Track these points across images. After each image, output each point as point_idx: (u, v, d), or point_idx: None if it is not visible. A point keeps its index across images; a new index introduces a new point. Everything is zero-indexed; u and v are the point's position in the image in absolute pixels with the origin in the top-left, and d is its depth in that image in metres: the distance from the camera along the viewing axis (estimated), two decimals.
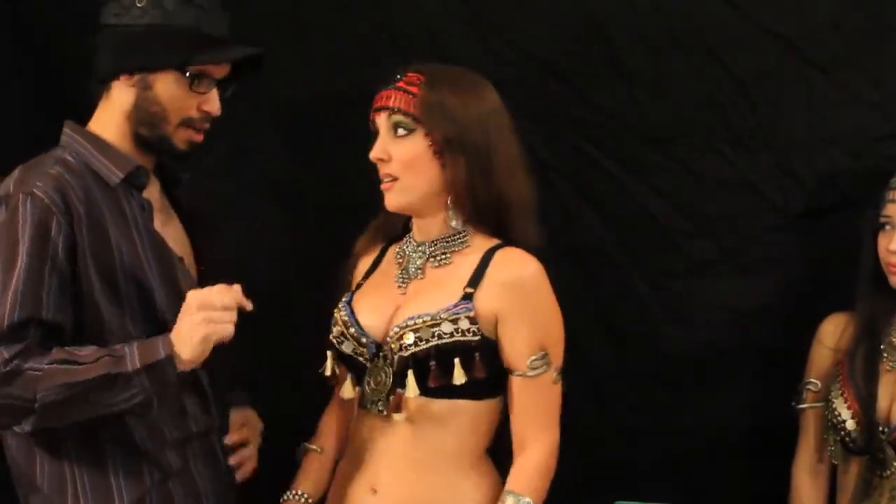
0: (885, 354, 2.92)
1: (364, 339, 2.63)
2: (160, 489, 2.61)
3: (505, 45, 3.21)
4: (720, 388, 3.22)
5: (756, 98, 3.17)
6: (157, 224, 2.65)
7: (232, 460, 2.78)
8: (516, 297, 2.57)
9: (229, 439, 2.78)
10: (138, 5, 2.56)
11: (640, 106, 3.20)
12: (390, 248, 2.76)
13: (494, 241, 2.63)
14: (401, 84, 2.60)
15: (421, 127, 2.57)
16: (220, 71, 2.65)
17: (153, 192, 2.69)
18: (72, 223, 2.49)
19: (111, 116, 2.63)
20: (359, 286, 2.75)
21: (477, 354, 2.55)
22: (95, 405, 2.46)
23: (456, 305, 2.56)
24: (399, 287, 2.67)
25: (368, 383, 2.63)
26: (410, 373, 2.55)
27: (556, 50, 3.21)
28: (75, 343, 2.49)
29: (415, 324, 2.56)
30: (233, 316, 2.49)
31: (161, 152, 2.66)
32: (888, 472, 2.86)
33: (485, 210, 2.61)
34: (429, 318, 2.56)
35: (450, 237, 2.64)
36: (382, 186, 2.63)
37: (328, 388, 2.78)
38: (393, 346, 2.58)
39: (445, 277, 2.62)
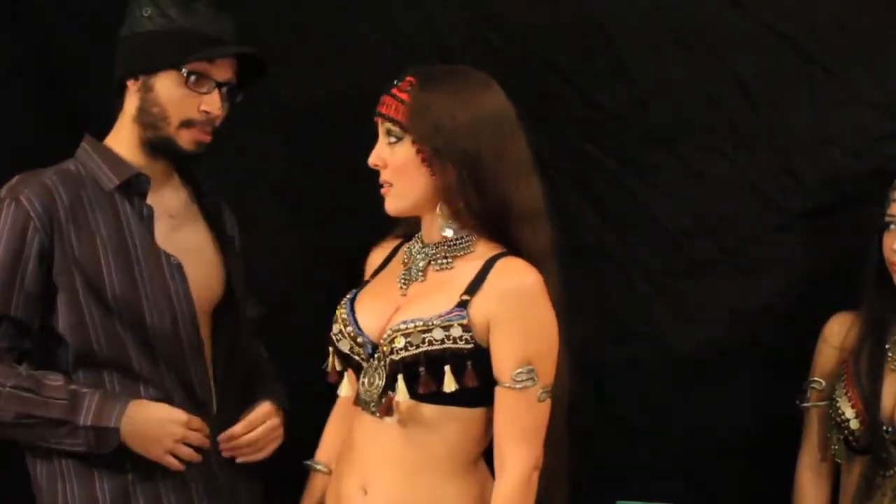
0: (890, 354, 2.93)
1: (360, 339, 2.63)
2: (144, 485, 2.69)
3: (506, 44, 3.22)
4: (721, 387, 3.23)
5: (758, 98, 3.18)
6: (164, 230, 2.72)
7: (223, 449, 2.79)
8: (509, 305, 2.54)
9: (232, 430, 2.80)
10: (144, 15, 2.66)
11: (641, 106, 3.21)
12: (403, 246, 2.76)
13: (498, 249, 2.61)
14: (394, 90, 2.59)
15: (408, 134, 2.57)
16: (221, 73, 2.70)
17: (175, 197, 2.78)
18: (51, 231, 2.62)
19: (123, 124, 2.73)
20: (366, 283, 2.77)
21: (469, 363, 2.53)
22: (42, 438, 2.63)
23: (449, 312, 2.55)
24: (400, 288, 2.67)
25: (363, 383, 2.63)
26: (400, 377, 2.54)
27: (558, 49, 3.21)
28: (61, 344, 2.65)
29: (407, 328, 2.56)
30: (195, 458, 2.67)
31: (168, 154, 2.72)
32: (891, 472, 2.88)
33: (482, 216, 2.58)
34: (421, 324, 2.55)
35: (452, 241, 2.63)
36: (381, 191, 2.64)
37: (330, 388, 2.77)
38: (385, 348, 2.58)
39: (445, 282, 2.61)
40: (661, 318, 3.25)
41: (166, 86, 2.66)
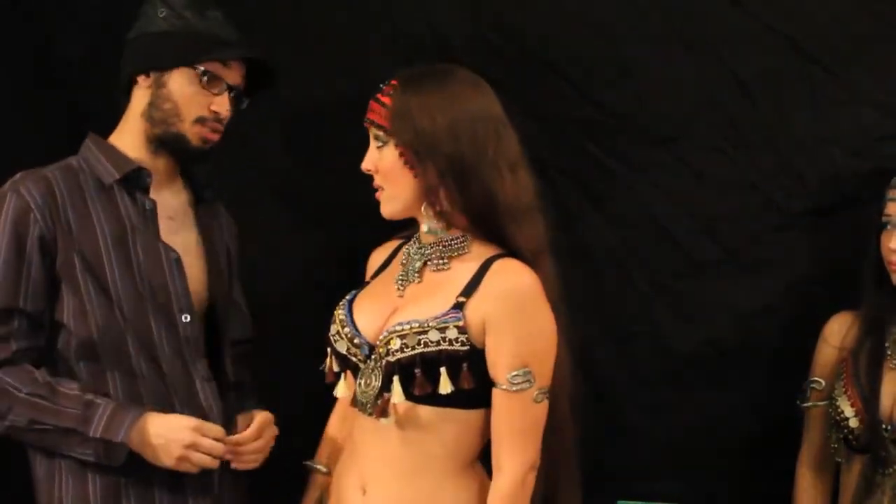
0: (889, 353, 2.94)
1: (357, 340, 2.65)
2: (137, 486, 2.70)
3: (508, 44, 3.23)
4: (722, 387, 3.24)
5: (758, 98, 3.19)
6: (164, 229, 2.74)
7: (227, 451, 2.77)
8: (505, 307, 2.55)
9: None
10: (159, 16, 2.71)
11: (643, 105, 3.22)
12: (403, 247, 2.77)
13: (494, 250, 2.62)
14: (378, 95, 2.63)
15: (392, 138, 2.59)
16: (232, 76, 2.76)
17: (175, 199, 2.82)
18: (52, 222, 2.65)
19: (130, 122, 2.77)
20: (366, 284, 2.78)
21: (465, 364, 2.54)
22: (54, 444, 2.66)
23: (445, 314, 2.56)
24: (397, 289, 2.69)
25: (360, 384, 2.64)
26: (396, 379, 2.55)
27: (558, 49, 3.22)
28: (64, 334, 2.67)
29: (402, 330, 2.57)
30: (211, 463, 2.67)
31: (176, 151, 2.76)
32: (890, 470, 2.89)
33: (469, 215, 2.60)
34: (417, 325, 2.56)
35: (447, 242, 2.65)
36: (375, 196, 2.67)
37: (330, 388, 2.77)
38: (381, 350, 2.59)
39: (442, 284, 2.63)
40: (662, 317, 3.26)
41: (179, 83, 2.71)
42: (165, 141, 2.74)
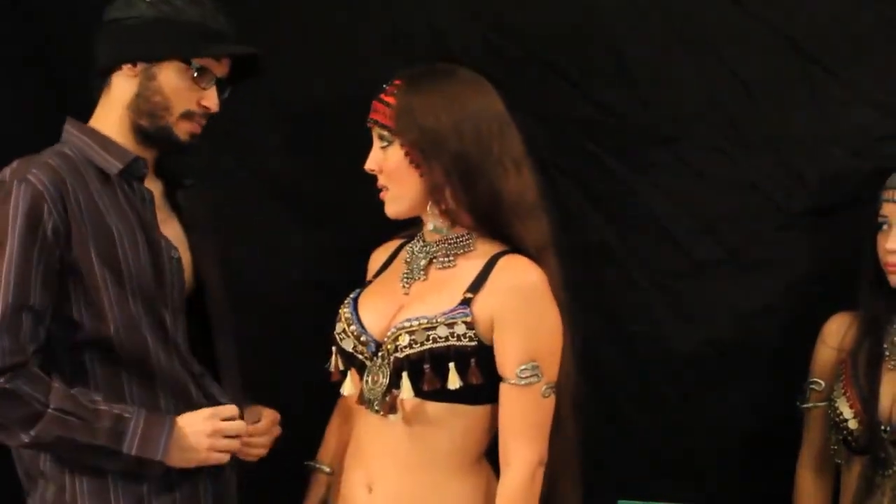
0: (888, 354, 2.95)
1: (363, 338, 2.67)
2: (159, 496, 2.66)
3: (508, 44, 3.23)
4: (723, 387, 3.25)
5: (759, 97, 3.19)
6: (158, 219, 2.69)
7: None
8: (513, 302, 2.58)
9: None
10: (146, 0, 2.63)
11: (643, 105, 3.22)
12: (405, 246, 2.80)
13: (500, 247, 2.66)
14: (382, 95, 2.65)
15: (397, 138, 2.62)
16: (222, 69, 2.70)
17: (156, 190, 2.73)
18: (65, 210, 2.55)
19: (111, 109, 2.69)
20: (369, 282, 2.80)
21: (473, 360, 2.58)
22: (79, 459, 2.59)
23: (453, 310, 2.59)
24: (403, 287, 2.71)
25: (366, 382, 2.66)
26: (405, 375, 2.58)
27: (562, 49, 3.23)
28: (73, 326, 2.57)
29: (411, 326, 2.60)
30: (236, 446, 2.65)
31: (161, 144, 2.69)
32: (890, 471, 2.90)
33: (474, 213, 2.64)
34: (425, 321, 2.59)
35: (452, 239, 2.68)
36: (379, 196, 2.69)
37: (331, 387, 2.80)
38: (389, 346, 2.62)
39: (448, 281, 2.66)
40: (662, 317, 3.26)
41: (170, 76, 2.64)
42: (151, 133, 2.66)
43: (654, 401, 3.27)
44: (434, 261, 2.69)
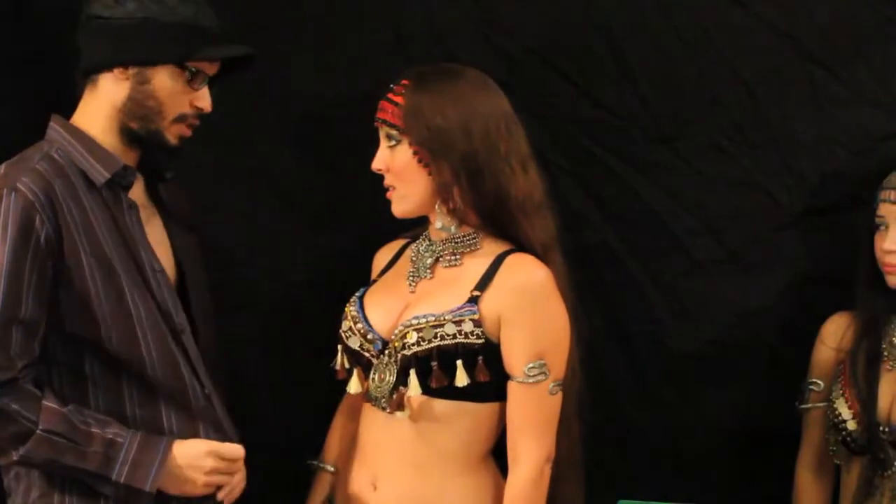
0: (886, 354, 2.97)
1: (370, 336, 2.69)
2: None
3: (510, 43, 3.23)
4: (724, 386, 3.26)
5: (761, 97, 3.20)
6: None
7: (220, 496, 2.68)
8: (520, 301, 2.62)
9: None
10: None
11: (645, 105, 3.23)
12: (410, 246, 2.82)
13: (505, 246, 2.69)
14: (390, 94, 2.68)
15: (405, 137, 2.64)
16: (213, 68, 2.65)
17: (137, 188, 2.67)
18: (56, 218, 2.50)
19: (98, 110, 2.62)
20: (374, 281, 2.82)
21: (480, 358, 2.61)
22: (67, 476, 2.54)
23: (460, 307, 2.62)
24: (409, 285, 2.73)
25: (373, 380, 2.68)
26: (413, 372, 2.60)
27: (563, 49, 3.23)
28: (68, 338, 2.52)
29: (419, 323, 2.62)
30: (230, 483, 2.62)
31: (150, 146, 2.64)
32: (889, 472, 2.91)
33: (482, 212, 2.66)
34: (433, 319, 2.62)
35: (458, 238, 2.71)
36: (386, 195, 2.71)
37: (334, 386, 2.82)
38: (396, 344, 2.64)
39: (454, 279, 2.68)
40: (663, 316, 3.27)
41: (164, 80, 2.58)
42: (141, 136, 2.60)
43: (654, 401, 3.28)
44: (440, 259, 2.72)
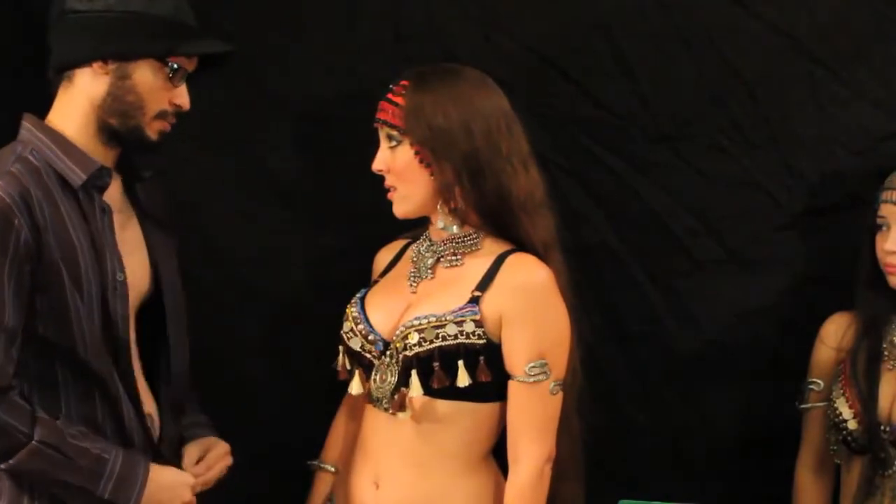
0: (886, 354, 2.97)
1: (371, 336, 2.70)
2: None
3: (511, 43, 3.24)
4: (722, 386, 3.27)
5: (762, 96, 3.20)
6: (117, 227, 2.60)
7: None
8: (522, 301, 2.63)
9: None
10: None
11: (645, 104, 3.24)
12: (411, 246, 2.83)
13: (506, 246, 2.70)
14: (389, 95, 2.69)
15: (406, 137, 2.65)
16: (192, 64, 2.60)
17: (114, 189, 2.62)
18: (34, 224, 2.45)
19: (75, 108, 2.56)
20: (375, 282, 2.83)
21: (482, 358, 2.62)
22: (53, 490, 2.52)
23: (462, 308, 2.63)
24: (410, 286, 2.74)
25: (374, 380, 2.69)
26: (414, 372, 2.62)
27: (562, 48, 3.24)
28: (45, 345, 2.49)
29: (420, 324, 2.64)
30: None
31: (130, 143, 2.58)
32: (890, 472, 2.91)
33: (483, 212, 2.67)
34: (434, 319, 2.63)
35: (459, 238, 2.72)
36: (388, 196, 2.72)
37: (334, 387, 2.83)
38: (398, 345, 2.65)
39: (455, 279, 2.69)
40: (665, 316, 3.28)
41: (145, 75, 2.53)
42: (121, 133, 2.55)
43: (655, 400, 3.29)
44: (441, 259, 2.73)
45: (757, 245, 3.25)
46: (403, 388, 2.64)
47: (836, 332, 3.04)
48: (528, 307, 2.63)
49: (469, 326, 2.61)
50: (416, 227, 2.82)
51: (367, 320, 2.73)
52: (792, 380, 3.13)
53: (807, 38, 3.18)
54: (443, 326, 2.62)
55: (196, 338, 2.77)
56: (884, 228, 2.94)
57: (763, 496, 3.25)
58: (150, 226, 2.70)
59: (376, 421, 2.72)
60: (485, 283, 2.65)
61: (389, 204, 2.74)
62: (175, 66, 2.55)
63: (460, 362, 2.60)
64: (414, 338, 2.63)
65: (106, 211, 2.57)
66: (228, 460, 2.73)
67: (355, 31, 3.28)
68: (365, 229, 2.97)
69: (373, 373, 2.70)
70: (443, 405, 2.64)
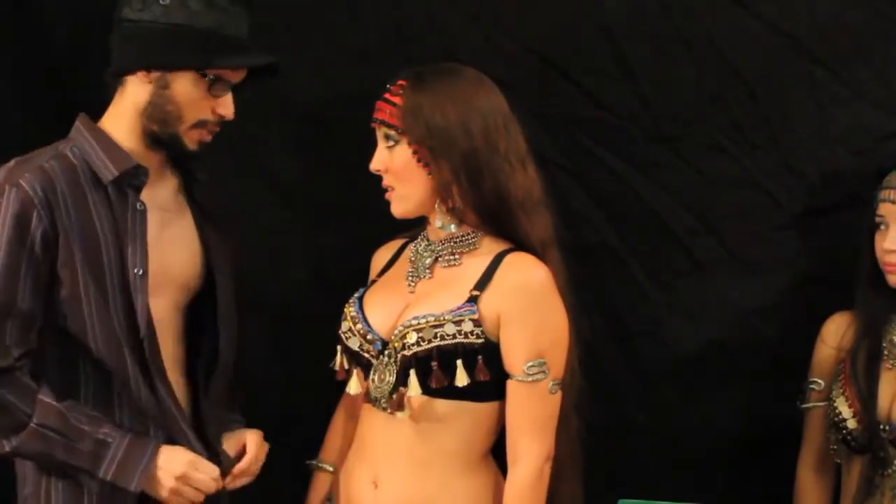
0: (886, 353, 2.98)
1: (370, 336, 2.71)
2: None
3: (512, 43, 3.25)
4: (722, 386, 3.27)
5: (762, 96, 3.21)
6: (155, 225, 2.67)
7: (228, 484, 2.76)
8: (520, 300, 2.63)
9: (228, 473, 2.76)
10: (161, 3, 2.59)
11: (646, 104, 3.25)
12: (409, 246, 2.84)
13: (504, 245, 2.71)
14: (387, 95, 2.69)
15: (404, 137, 2.66)
16: (237, 75, 2.68)
17: (166, 189, 2.73)
18: (54, 217, 2.55)
19: (123, 111, 2.67)
20: (373, 282, 2.84)
21: (480, 357, 2.63)
22: (55, 469, 2.62)
23: (460, 307, 2.64)
24: (408, 286, 2.75)
25: (373, 380, 2.70)
26: (413, 372, 2.62)
27: (563, 48, 3.25)
28: (62, 335, 2.59)
29: (418, 323, 2.64)
30: (198, 499, 2.65)
31: (170, 149, 2.68)
32: (890, 471, 2.92)
33: (481, 211, 2.68)
34: (432, 319, 2.64)
35: (457, 238, 2.72)
36: (385, 196, 2.72)
37: (333, 386, 2.83)
38: (396, 344, 2.66)
39: (453, 279, 2.70)
40: (665, 316, 3.29)
41: (185, 86, 2.62)
42: (162, 139, 2.65)
43: (655, 400, 3.30)
44: (439, 259, 2.74)
45: (757, 245, 3.26)
46: (402, 388, 2.64)
47: (836, 332, 3.05)
48: (526, 306, 2.63)
49: (467, 326, 2.62)
50: (414, 226, 2.83)
51: (365, 320, 2.73)
52: (792, 380, 3.14)
53: (807, 38, 3.19)
54: (441, 326, 2.62)
55: None
56: (882, 227, 2.95)
57: (763, 496, 3.26)
58: (208, 226, 2.79)
59: (375, 420, 2.73)
60: (483, 283, 2.66)
61: (389, 204, 2.74)
62: (214, 77, 2.62)
63: (459, 362, 2.61)
64: (412, 337, 2.63)
65: (140, 209, 2.64)
66: (265, 447, 2.81)
67: (356, 31, 3.29)
68: (365, 229, 2.97)
69: (371, 372, 2.70)
70: (441, 405, 2.65)
